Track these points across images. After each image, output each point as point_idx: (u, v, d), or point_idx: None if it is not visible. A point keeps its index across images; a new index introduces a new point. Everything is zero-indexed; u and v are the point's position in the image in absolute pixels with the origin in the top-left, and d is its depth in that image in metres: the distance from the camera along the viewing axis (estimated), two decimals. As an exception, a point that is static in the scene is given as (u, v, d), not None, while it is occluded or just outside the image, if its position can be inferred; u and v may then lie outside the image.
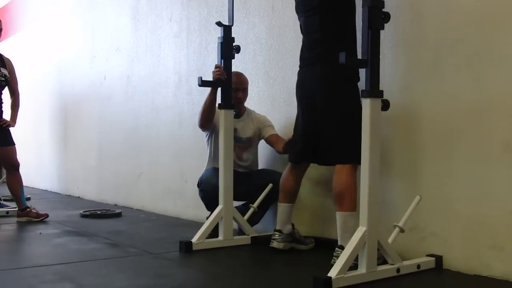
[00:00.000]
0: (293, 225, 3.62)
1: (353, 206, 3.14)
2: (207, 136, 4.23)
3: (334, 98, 3.26)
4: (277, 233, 3.54)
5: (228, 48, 3.83)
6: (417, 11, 3.28)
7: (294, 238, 3.62)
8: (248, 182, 4.04)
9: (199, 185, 4.15)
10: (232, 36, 3.85)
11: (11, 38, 9.91)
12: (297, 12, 3.53)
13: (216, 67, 3.80)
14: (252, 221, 4.01)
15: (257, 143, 4.26)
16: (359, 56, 2.94)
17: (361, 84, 3.05)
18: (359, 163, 3.13)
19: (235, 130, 3.97)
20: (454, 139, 3.09)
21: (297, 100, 3.52)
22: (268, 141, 4.14)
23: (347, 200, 3.14)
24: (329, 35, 3.30)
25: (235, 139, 3.93)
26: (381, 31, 2.83)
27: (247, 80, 4.20)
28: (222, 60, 3.82)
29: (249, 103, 4.41)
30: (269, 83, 4.31)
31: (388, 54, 3.29)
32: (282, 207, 3.56)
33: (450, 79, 3.10)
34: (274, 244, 3.53)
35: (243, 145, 4.17)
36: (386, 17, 2.82)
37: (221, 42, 3.82)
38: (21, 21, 9.72)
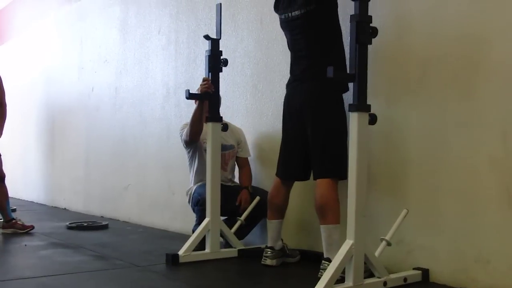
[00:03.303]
0: (281, 239, 3.62)
1: (337, 219, 3.15)
2: (190, 153, 4.24)
3: (321, 114, 3.29)
4: (269, 250, 3.54)
5: (215, 61, 3.85)
6: (404, 26, 3.31)
7: (285, 253, 3.62)
8: (235, 199, 4.05)
9: (198, 203, 4.05)
10: (221, 49, 3.87)
11: (-1, 48, 9.90)
12: (282, 28, 3.56)
13: (204, 80, 3.82)
14: (240, 235, 4.00)
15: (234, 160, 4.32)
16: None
17: (348, 98, 3.07)
18: (340, 178, 3.16)
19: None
20: (440, 153, 3.11)
21: (284, 115, 3.54)
22: (237, 161, 4.28)
23: (330, 213, 3.16)
24: (315, 52, 3.34)
25: (221, 147, 3.93)
26: (368, 45, 2.86)
27: None
28: (210, 73, 3.83)
29: (237, 116, 4.42)
30: (257, 97, 4.32)
31: (376, 68, 3.32)
32: (272, 224, 3.56)
33: (437, 94, 3.13)
34: (267, 261, 3.52)
35: (229, 152, 4.19)
36: (374, 32, 2.84)
37: (208, 55, 3.83)
38: (9, 31, 9.70)
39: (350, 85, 3.22)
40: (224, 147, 4.05)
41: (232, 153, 4.23)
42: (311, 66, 3.34)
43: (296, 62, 3.46)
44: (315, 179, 3.34)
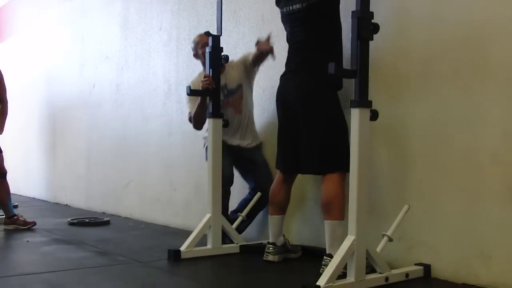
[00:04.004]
0: (283, 235, 3.62)
1: (342, 215, 3.15)
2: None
3: (317, 106, 3.29)
4: (271, 246, 3.54)
5: (216, 58, 3.84)
6: (406, 22, 3.31)
7: (287, 248, 3.63)
8: (246, 171, 4.17)
9: None
10: (222, 45, 3.86)
11: (0, 45, 9.88)
12: (282, 22, 3.57)
13: (205, 76, 3.81)
14: (238, 229, 4.01)
15: (250, 90, 4.21)
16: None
17: (346, 94, 3.08)
18: (347, 170, 3.16)
19: (224, 85, 4.04)
20: (442, 149, 3.11)
21: (278, 108, 3.55)
22: (254, 59, 4.09)
23: (336, 208, 3.15)
24: (312, 45, 3.34)
25: (228, 93, 3.93)
26: (370, 41, 2.86)
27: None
28: (211, 70, 3.83)
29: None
30: (258, 93, 4.32)
31: (377, 64, 3.32)
32: (274, 220, 3.57)
33: (438, 90, 3.13)
34: (269, 257, 3.52)
35: (238, 94, 4.12)
36: (375, 28, 2.84)
37: (209, 52, 3.82)
38: (11, 28, 9.70)
39: (346, 82, 3.24)
40: (230, 92, 4.03)
41: (240, 94, 4.13)
42: (306, 59, 3.35)
43: (293, 54, 3.48)
44: (309, 173, 3.38)
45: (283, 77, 3.51)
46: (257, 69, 4.18)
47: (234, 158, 4.11)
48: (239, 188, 4.22)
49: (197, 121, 4.10)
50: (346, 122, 3.27)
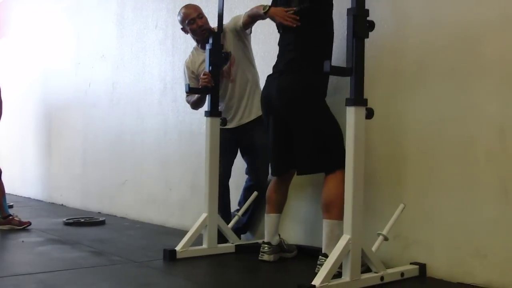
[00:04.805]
0: (279, 234, 3.61)
1: (341, 215, 3.13)
2: None
3: (302, 109, 3.27)
4: (266, 245, 3.53)
5: (217, 55, 3.81)
6: (401, 20, 3.31)
7: (282, 248, 3.61)
8: (244, 154, 4.14)
9: None
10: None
11: (-5, 44, 9.84)
12: (276, 25, 3.56)
13: (204, 74, 3.79)
14: (238, 231, 4.02)
15: (244, 56, 4.06)
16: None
17: (342, 92, 3.07)
18: (339, 168, 3.15)
19: None
20: (437, 147, 3.11)
21: (262, 109, 3.56)
22: (245, 22, 3.86)
23: (336, 208, 3.13)
24: (302, 47, 3.34)
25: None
26: (365, 39, 2.85)
27: (197, 6, 4.12)
28: (210, 67, 3.78)
29: (234, 111, 4.40)
30: (256, 92, 4.30)
31: (372, 62, 3.31)
32: (270, 218, 3.55)
33: (434, 88, 3.13)
34: (265, 257, 3.51)
35: (229, 63, 4.00)
36: (371, 25, 2.83)
37: (209, 49, 3.79)
38: (5, 27, 9.66)
39: (342, 81, 3.23)
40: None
41: (231, 62, 3.99)
42: (293, 60, 3.35)
43: (282, 56, 3.48)
44: (305, 173, 3.38)
45: (268, 78, 3.51)
46: (250, 31, 4.01)
47: (237, 141, 4.09)
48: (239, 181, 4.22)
49: (195, 107, 4.14)
50: (336, 120, 3.26)
